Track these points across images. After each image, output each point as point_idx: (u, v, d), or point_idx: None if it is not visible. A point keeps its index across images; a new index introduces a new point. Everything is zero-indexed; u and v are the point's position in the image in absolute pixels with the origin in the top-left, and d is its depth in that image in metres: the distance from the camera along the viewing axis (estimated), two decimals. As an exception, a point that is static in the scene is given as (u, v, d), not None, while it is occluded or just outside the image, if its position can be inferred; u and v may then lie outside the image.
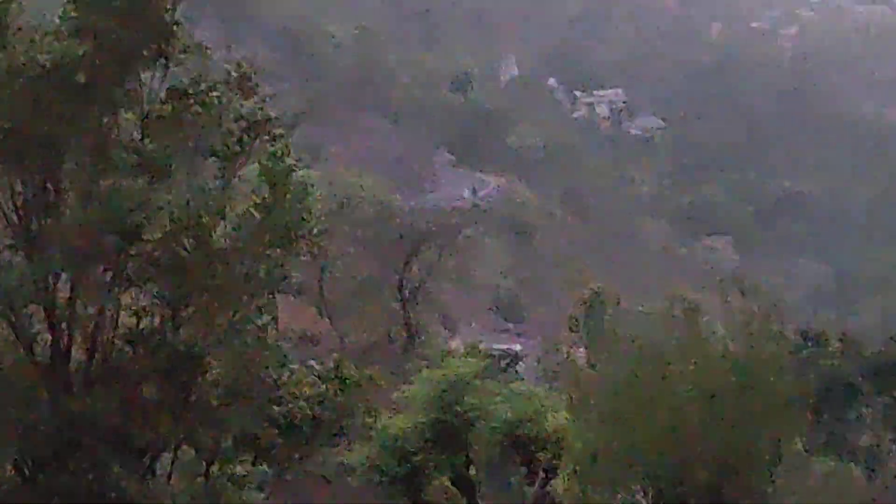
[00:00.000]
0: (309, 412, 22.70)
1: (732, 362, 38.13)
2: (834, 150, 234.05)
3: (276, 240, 23.79)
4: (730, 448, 36.29)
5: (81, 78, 22.76)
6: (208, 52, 24.95)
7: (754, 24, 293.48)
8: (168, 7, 22.55)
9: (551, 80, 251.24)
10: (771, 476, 37.99)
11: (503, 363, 65.68)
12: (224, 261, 23.45)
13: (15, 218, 23.24)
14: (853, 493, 42.25)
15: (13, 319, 22.47)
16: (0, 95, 22.25)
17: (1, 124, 22.24)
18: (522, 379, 66.68)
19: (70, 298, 22.74)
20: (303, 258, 27.22)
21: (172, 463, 24.99)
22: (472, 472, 48.10)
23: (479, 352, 59.02)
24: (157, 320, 23.91)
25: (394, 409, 47.92)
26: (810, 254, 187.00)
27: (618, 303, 71.09)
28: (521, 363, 78.59)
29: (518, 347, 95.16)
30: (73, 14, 23.10)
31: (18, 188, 23.34)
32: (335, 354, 34.79)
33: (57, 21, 23.45)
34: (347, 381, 24.27)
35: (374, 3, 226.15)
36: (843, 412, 51.64)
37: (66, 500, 21.88)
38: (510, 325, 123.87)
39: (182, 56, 24.03)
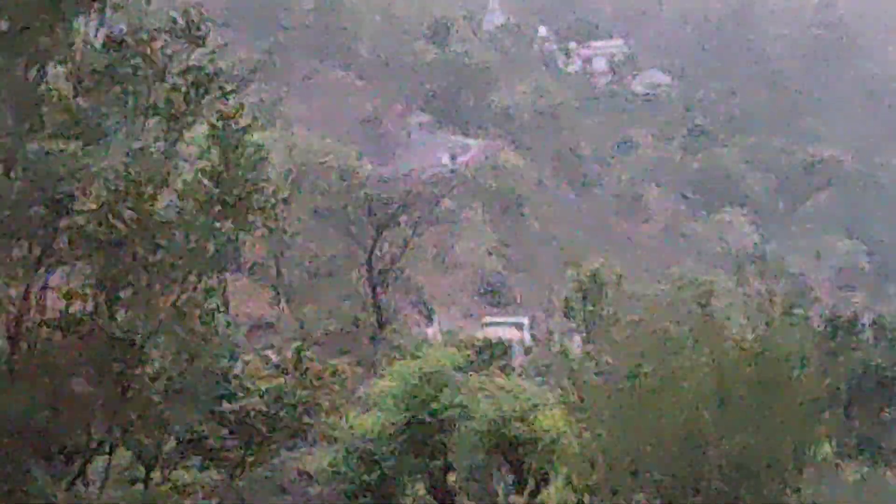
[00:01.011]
0: (264, 409, 21.43)
1: (750, 354, 35.88)
2: (867, 112, 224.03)
3: (226, 211, 22.36)
4: (748, 452, 34.08)
5: (3, 25, 20.99)
6: None
7: None
8: None
9: (542, 30, 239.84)
10: (795, 484, 35.14)
11: (494, 353, 59.94)
12: (167, 235, 21.86)
13: None
14: (888, 503, 39.62)
15: None
16: None
17: None
18: (513, 369, 59.73)
19: None
20: (257, 233, 25.59)
21: (107, 468, 23.58)
22: (452, 479, 44.53)
23: (461, 341, 55.51)
24: (89, 304, 22.21)
25: (362, 406, 45.21)
26: (840, 230, 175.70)
27: (619, 285, 66.92)
28: (513, 352, 72.54)
29: (517, 325, 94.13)
30: None
31: None
32: (295, 343, 33.20)
33: None
34: (308, 374, 22.61)
35: None
36: (877, 410, 48.74)
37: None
38: (495, 311, 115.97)
39: (120, 0, 22.30)
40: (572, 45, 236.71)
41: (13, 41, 21.97)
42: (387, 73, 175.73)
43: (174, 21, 23.75)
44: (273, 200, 25.16)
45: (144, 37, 23.18)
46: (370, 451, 42.62)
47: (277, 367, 23.65)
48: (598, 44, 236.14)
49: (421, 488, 44.71)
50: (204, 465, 25.13)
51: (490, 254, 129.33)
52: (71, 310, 23.25)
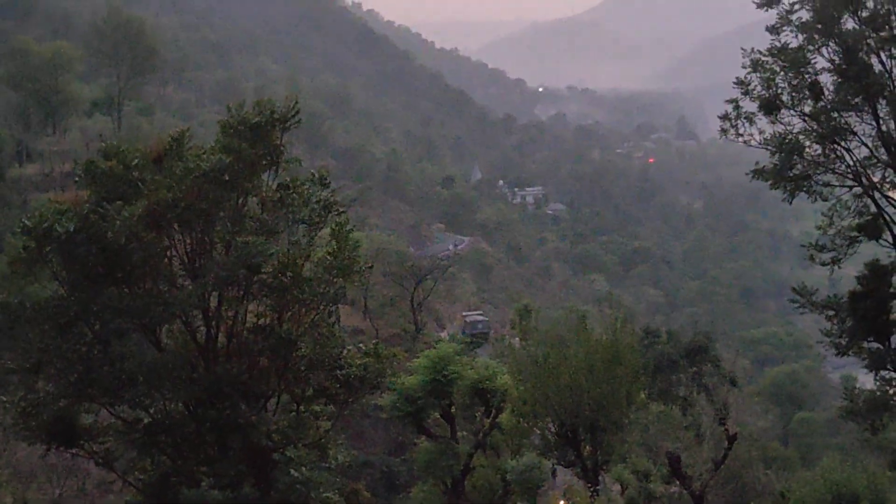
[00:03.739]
0: (358, 374, 26.53)
1: (605, 346, 52.35)
2: (663, 224, 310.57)
3: (339, 273, 29.18)
4: (602, 397, 50.35)
5: (226, 177, 27.84)
6: (300, 162, 31.15)
7: (619, 150, 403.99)
8: (278, 137, 27.86)
9: (500, 182, 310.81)
10: (626, 414, 51.94)
11: (474, 346, 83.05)
12: (309, 285, 28.60)
13: (185, 259, 27.88)
14: (674, 425, 54.72)
15: (185, 319, 27.38)
16: (179, 185, 26.78)
17: (178, 202, 26.45)
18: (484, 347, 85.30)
19: (218, 306, 27.76)
20: (354, 284, 33.39)
21: (276, 404, 30.09)
22: (453, 410, 59.78)
23: (457, 340, 71.44)
24: (268, 320, 28.78)
25: (407, 372, 58.02)
26: (650, 284, 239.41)
27: (538, 312, 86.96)
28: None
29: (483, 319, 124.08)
30: (221, 140, 28.59)
31: (188, 240, 27.92)
32: (374, 341, 40.64)
33: (213, 143, 29.04)
34: (381, 356, 28.78)
35: (397, 134, 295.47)
36: (668, 377, 64.33)
37: (215, 428, 26.43)
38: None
39: (285, 164, 29.88)
40: (516, 189, 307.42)
41: (231, 185, 28.65)
42: (422, 202, 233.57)
43: (313, 175, 31.44)
44: (363, 268, 32.95)
45: (298, 183, 30.55)
46: (411, 395, 57.03)
47: (365, 353, 28.99)
48: (529, 189, 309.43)
49: (437, 414, 59.56)
50: (327, 403, 31.02)
51: (473, 296, 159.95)
52: (259, 322, 30.08)
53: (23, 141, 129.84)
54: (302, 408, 24.88)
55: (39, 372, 23.74)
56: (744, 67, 45.25)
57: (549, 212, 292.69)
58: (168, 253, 24.02)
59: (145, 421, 23.89)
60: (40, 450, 25.09)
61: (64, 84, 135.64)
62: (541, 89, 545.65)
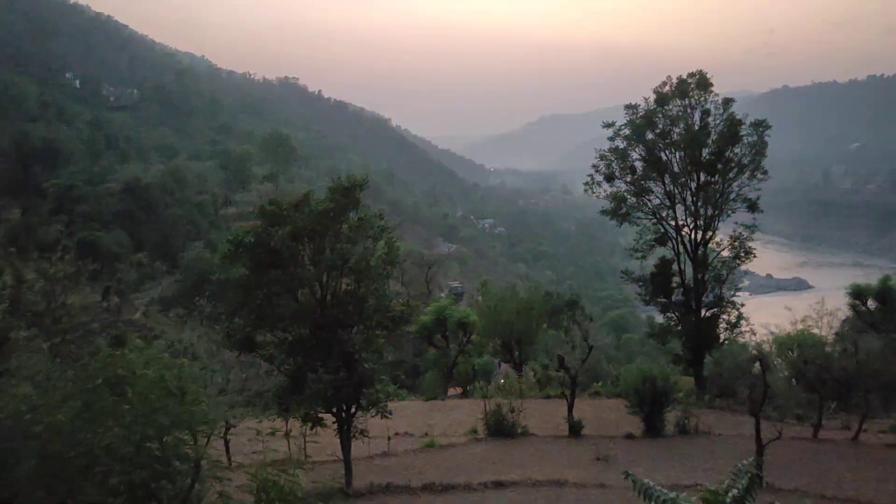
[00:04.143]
0: (399, 315, 24.43)
1: (524, 301, 52.41)
2: (555, 238, 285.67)
3: (389, 263, 24.97)
4: (524, 327, 50.21)
5: (332, 214, 23.85)
6: (368, 206, 25.76)
7: (533, 201, 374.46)
8: (357, 194, 23.87)
9: (472, 216, 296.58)
10: (536, 335, 51.65)
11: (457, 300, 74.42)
12: (373, 270, 24.39)
13: (311, 256, 24.02)
14: (561, 341, 50.20)
15: (310, 287, 23.89)
16: (307, 218, 23.41)
17: (307, 227, 23.42)
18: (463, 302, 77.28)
19: (327, 280, 23.81)
20: (397, 268, 28.82)
21: (356, 330, 25.01)
22: (447, 333, 56.53)
23: (450, 297, 68.49)
24: (353, 287, 24.39)
25: (424, 314, 55.72)
26: (548, 269, 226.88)
27: (491, 284, 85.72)
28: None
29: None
30: (328, 195, 24.15)
31: (312, 246, 23.87)
32: (407, 298, 39.16)
33: (324, 197, 24.39)
34: (410, 306, 26.91)
35: (418, 192, 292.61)
36: (557, 317, 61.28)
37: (325, 342, 23.54)
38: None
39: (361, 208, 25.02)
40: (481, 220, 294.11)
41: (334, 218, 23.98)
42: (431, 226, 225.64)
43: (376, 213, 25.87)
44: (401, 260, 30.53)
45: (368, 217, 24.97)
46: (426, 325, 55.37)
47: (403, 304, 25.76)
48: (487, 220, 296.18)
49: (438, 336, 56.35)
50: (383, 330, 25.99)
51: (458, 275, 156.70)
52: (349, 288, 24.55)
53: (228, 195, 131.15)
54: (369, 332, 24.35)
55: (236, 314, 23.62)
56: (597, 158, 45.32)
57: (497, 232, 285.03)
58: (302, 253, 23.66)
59: (289, 339, 23.65)
60: (235, 353, 24.89)
61: (248, 167, 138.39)
62: (492, 169, 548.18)
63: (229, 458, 26.21)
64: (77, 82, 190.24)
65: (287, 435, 27.84)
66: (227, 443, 26.66)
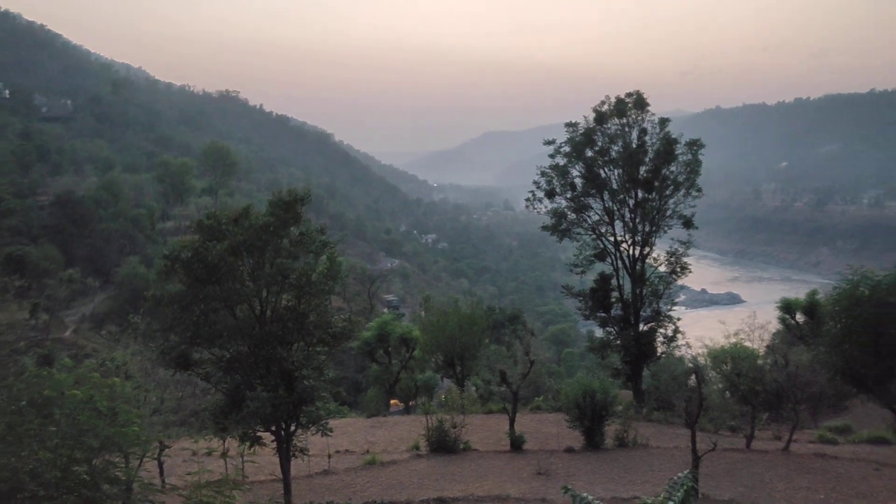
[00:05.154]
0: (341, 331, 23.37)
1: (467, 315, 51.25)
2: (497, 253, 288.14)
3: (331, 278, 24.39)
4: (466, 342, 48.91)
5: (272, 228, 23.26)
6: (310, 221, 25.28)
7: (474, 216, 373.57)
8: (299, 208, 23.42)
9: (414, 231, 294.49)
10: (478, 350, 50.43)
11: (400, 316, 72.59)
12: (315, 285, 23.88)
13: (250, 271, 23.55)
14: (502, 356, 47.86)
15: (249, 302, 23.18)
16: (247, 233, 23.10)
17: (246, 242, 22.98)
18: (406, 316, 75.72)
19: (267, 295, 23.43)
20: (339, 284, 26.98)
21: (297, 347, 24.38)
22: (390, 349, 56.23)
23: (391, 314, 67.45)
24: (293, 303, 23.96)
25: (366, 330, 55.74)
26: (490, 284, 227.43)
27: (433, 298, 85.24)
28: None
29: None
30: (269, 209, 23.61)
31: (251, 261, 23.58)
32: (348, 313, 37.69)
33: (265, 211, 23.94)
34: (352, 321, 26.02)
35: (361, 207, 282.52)
36: (499, 331, 62.13)
37: (264, 359, 23.19)
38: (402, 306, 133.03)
39: (302, 222, 24.49)
40: (424, 235, 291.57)
41: (274, 232, 23.65)
42: (374, 241, 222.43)
43: (317, 227, 25.37)
44: (343, 276, 28.36)
45: (309, 231, 24.59)
46: (368, 341, 55.39)
47: (344, 319, 24.99)
48: (429, 235, 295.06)
49: (381, 351, 56.24)
50: (324, 346, 25.15)
51: (400, 291, 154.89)
52: (289, 304, 24.25)
53: (164, 210, 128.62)
54: (310, 348, 23.87)
55: (171, 330, 22.91)
56: (538, 175, 45.78)
57: (439, 247, 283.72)
58: (241, 268, 23.07)
59: (227, 356, 23.04)
60: (171, 372, 24.14)
61: (187, 180, 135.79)
62: (435, 185, 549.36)
63: (163, 480, 25.48)
64: (7, 92, 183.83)
65: (224, 455, 27.23)
66: (160, 464, 25.92)
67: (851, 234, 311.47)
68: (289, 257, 23.57)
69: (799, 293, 53.08)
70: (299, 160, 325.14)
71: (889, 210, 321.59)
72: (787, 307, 49.17)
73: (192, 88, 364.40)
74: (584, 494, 9.54)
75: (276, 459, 24.47)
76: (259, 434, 23.42)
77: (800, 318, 48.41)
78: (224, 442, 26.06)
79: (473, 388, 49.24)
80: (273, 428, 23.45)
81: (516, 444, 32.17)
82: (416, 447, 32.87)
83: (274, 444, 23.93)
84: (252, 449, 23.63)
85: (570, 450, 31.93)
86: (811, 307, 47.05)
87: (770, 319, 41.44)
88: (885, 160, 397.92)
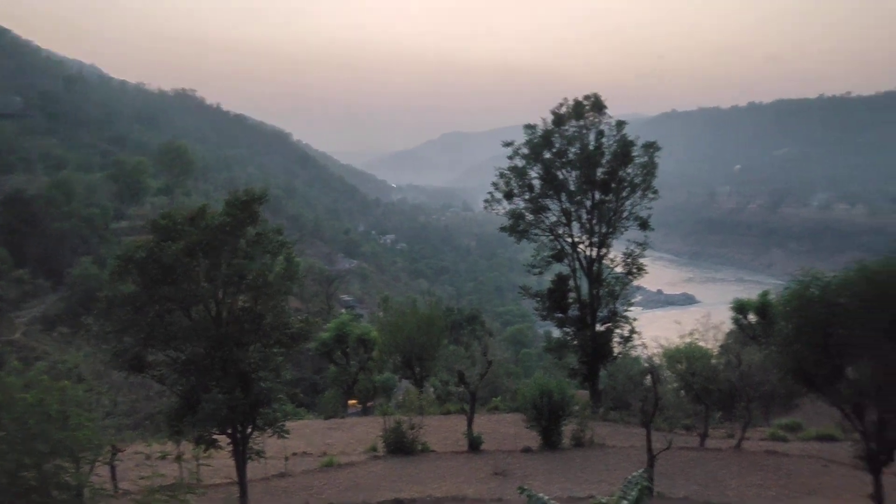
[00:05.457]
0: (298, 332, 22.87)
1: (425, 316, 51.54)
2: (455, 254, 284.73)
3: (288, 279, 24.19)
4: (424, 342, 48.93)
5: (228, 229, 22.98)
6: (267, 221, 25.29)
7: (433, 216, 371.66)
8: (256, 208, 23.25)
9: (373, 231, 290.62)
10: (436, 351, 50.13)
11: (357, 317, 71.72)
12: (271, 286, 23.62)
13: (205, 271, 23.08)
14: (461, 356, 48.36)
15: (205, 303, 22.95)
16: (203, 233, 22.86)
17: (202, 242, 22.58)
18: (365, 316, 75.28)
19: (223, 296, 23.20)
20: (296, 285, 25.92)
21: (254, 348, 23.91)
22: (348, 350, 54.86)
23: (349, 315, 66.48)
24: (250, 304, 23.68)
25: (324, 331, 54.09)
26: (448, 284, 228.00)
27: (392, 299, 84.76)
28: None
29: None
30: (225, 209, 23.41)
31: (207, 262, 23.20)
32: (306, 314, 37.05)
33: (221, 211, 23.64)
34: (310, 322, 25.48)
35: (320, 208, 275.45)
36: (458, 331, 61.94)
37: (220, 361, 22.78)
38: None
39: (259, 222, 24.23)
40: (383, 235, 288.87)
41: (230, 232, 23.27)
42: (332, 242, 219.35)
43: (275, 228, 25.32)
44: (301, 276, 26.29)
45: (266, 231, 24.32)
46: (325, 342, 53.86)
47: (302, 320, 24.59)
48: (388, 235, 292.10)
49: (339, 352, 54.83)
50: (281, 347, 24.44)
51: (357, 291, 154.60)
52: (245, 305, 23.94)
53: (119, 209, 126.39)
54: (267, 350, 23.59)
55: (125, 332, 22.50)
56: (496, 176, 45.94)
57: (398, 247, 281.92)
58: (196, 268, 22.70)
59: (182, 358, 22.69)
60: (124, 374, 23.69)
61: (143, 180, 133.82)
62: (394, 185, 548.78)
63: (115, 485, 25.01)
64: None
65: (179, 458, 26.80)
66: (113, 469, 25.43)
67: (803, 235, 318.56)
68: (245, 258, 23.40)
69: (752, 294, 54.08)
70: (257, 159, 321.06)
71: (838, 213, 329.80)
72: (741, 307, 50.12)
73: (147, 86, 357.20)
74: (540, 494, 9.61)
75: (232, 462, 24.18)
76: (215, 437, 23.13)
77: (752, 318, 49.33)
78: (179, 445, 25.63)
79: (431, 389, 49.18)
80: (229, 430, 23.21)
81: (474, 445, 32.25)
82: (374, 449, 32.77)
83: (230, 447, 23.64)
84: (207, 452, 23.31)
85: (527, 450, 32.11)
86: (763, 308, 48.01)
87: (724, 320, 42.13)
88: (834, 164, 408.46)
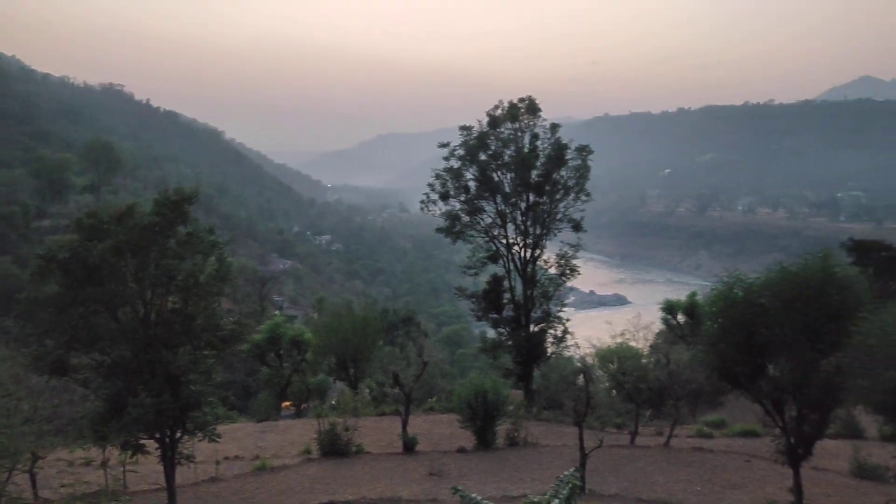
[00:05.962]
0: (230, 334, 22.23)
1: (360, 317, 51.98)
2: (391, 255, 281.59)
3: (220, 280, 23.64)
4: (360, 344, 48.82)
5: (157, 228, 22.42)
6: (198, 220, 24.61)
7: (370, 217, 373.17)
8: (186, 207, 22.48)
9: (308, 232, 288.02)
10: (372, 352, 50.19)
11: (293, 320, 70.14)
12: (203, 287, 23.08)
13: (133, 272, 22.40)
14: (396, 357, 48.61)
15: (132, 305, 22.14)
16: (131, 232, 22.18)
17: (130, 242, 21.94)
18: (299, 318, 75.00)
19: (151, 297, 20.96)
20: (228, 286, 23.61)
21: (183, 350, 21.99)
22: (281, 352, 53.09)
23: (282, 316, 65.26)
24: (179, 305, 22.93)
25: (257, 332, 51.82)
26: (385, 285, 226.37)
27: (326, 300, 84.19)
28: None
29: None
30: (155, 208, 22.78)
31: (135, 262, 22.44)
32: (238, 316, 36.17)
33: (150, 210, 22.97)
34: (242, 324, 24.84)
35: (252, 206, 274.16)
36: (393, 333, 63.37)
37: (148, 364, 22.11)
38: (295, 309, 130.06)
39: (190, 221, 23.62)
40: (316, 236, 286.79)
41: (159, 232, 22.88)
42: (266, 242, 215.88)
43: (206, 227, 24.81)
44: (233, 277, 25.80)
45: (197, 231, 23.81)
46: (258, 344, 51.72)
47: (234, 322, 23.80)
48: (323, 236, 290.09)
49: (272, 354, 53.26)
50: (212, 350, 23.95)
51: (292, 291, 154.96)
52: (175, 306, 23.42)
53: (41, 207, 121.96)
54: (198, 352, 23.03)
55: (47, 335, 21.66)
56: (433, 177, 46.02)
57: (334, 248, 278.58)
58: (124, 269, 22.00)
59: (108, 361, 21.96)
60: (46, 378, 22.84)
61: (66, 177, 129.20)
62: (329, 185, 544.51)
63: (35, 493, 24.08)
64: None
65: (104, 465, 25.98)
66: (33, 476, 24.47)
67: (728, 238, 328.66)
68: (175, 258, 22.78)
69: (680, 295, 55.54)
70: (189, 158, 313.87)
71: (761, 216, 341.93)
72: (670, 308, 51.42)
73: (72, 80, 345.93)
74: (473, 494, 9.64)
75: (161, 468, 23.53)
76: (142, 441, 22.47)
77: (681, 318, 50.65)
78: (104, 451, 24.84)
79: (367, 391, 48.90)
80: (157, 435, 22.59)
81: (409, 446, 32.22)
82: (308, 451, 32.42)
83: (158, 452, 23.01)
84: (134, 458, 22.64)
85: (462, 450, 32.24)
86: (691, 308, 49.36)
87: (654, 320, 43.16)
88: (757, 169, 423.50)
